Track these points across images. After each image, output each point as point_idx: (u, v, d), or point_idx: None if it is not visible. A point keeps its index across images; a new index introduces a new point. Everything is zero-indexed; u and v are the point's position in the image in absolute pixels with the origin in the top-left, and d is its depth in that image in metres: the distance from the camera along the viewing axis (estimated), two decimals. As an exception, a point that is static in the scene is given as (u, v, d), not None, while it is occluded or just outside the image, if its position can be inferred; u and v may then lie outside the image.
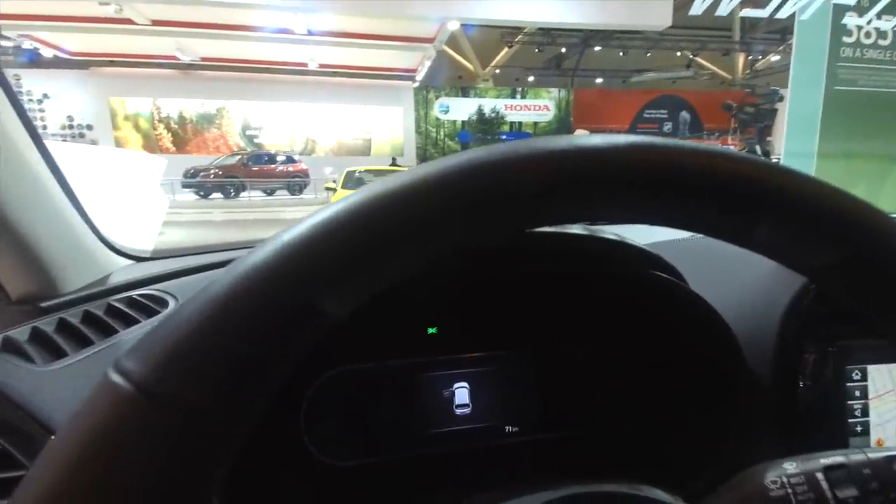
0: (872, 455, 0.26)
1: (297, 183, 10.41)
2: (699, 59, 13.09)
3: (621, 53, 12.41)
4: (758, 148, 6.33)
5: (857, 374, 0.44)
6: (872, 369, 0.45)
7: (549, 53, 12.87)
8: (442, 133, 13.34)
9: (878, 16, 2.71)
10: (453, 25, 9.37)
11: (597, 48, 12.24)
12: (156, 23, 8.37)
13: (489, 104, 13.36)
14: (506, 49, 12.13)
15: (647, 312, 0.44)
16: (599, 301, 0.45)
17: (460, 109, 13.22)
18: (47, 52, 9.83)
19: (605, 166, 0.17)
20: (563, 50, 12.68)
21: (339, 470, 0.41)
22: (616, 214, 0.18)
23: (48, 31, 8.82)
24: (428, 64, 11.34)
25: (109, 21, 8.08)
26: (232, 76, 11.18)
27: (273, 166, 10.28)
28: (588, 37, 11.62)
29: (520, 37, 11.56)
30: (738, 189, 0.18)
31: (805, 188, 0.18)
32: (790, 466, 0.26)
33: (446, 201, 0.16)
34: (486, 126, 13.35)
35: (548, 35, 11.51)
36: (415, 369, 0.44)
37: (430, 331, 0.44)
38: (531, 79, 13.99)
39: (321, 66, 10.87)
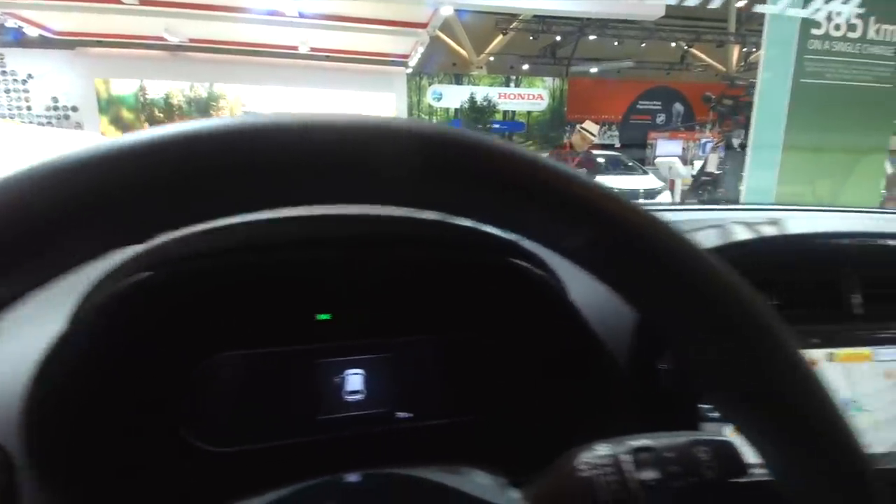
0: (680, 439, 0.27)
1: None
2: (694, 51, 13.02)
3: (616, 43, 12.32)
4: (735, 140, 6.35)
5: None
6: None
7: (543, 41, 12.76)
8: (435, 121, 13.27)
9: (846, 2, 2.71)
10: (447, 11, 9.24)
11: (592, 37, 12.14)
12: (143, 2, 8.22)
13: (482, 92, 13.27)
14: (500, 36, 12.01)
15: (509, 300, 0.45)
16: (468, 289, 0.45)
17: (453, 97, 13.12)
18: (32, 32, 9.64)
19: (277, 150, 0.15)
20: (559, 38, 12.57)
21: (216, 456, 0.41)
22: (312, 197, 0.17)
23: (33, 10, 8.65)
24: (421, 50, 11.22)
25: (96, 0, 7.94)
26: (221, 59, 11.04)
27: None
28: (583, 25, 11.51)
29: (514, 24, 11.44)
30: (482, 172, 0.18)
31: (551, 175, 0.18)
32: (603, 449, 0.27)
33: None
34: (477, 114, 13.27)
35: (543, 23, 11.40)
36: (303, 355, 0.43)
37: (323, 317, 0.44)
38: (526, 67, 13.87)
39: (312, 49, 10.73)
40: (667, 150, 11.84)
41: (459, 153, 0.17)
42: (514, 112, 13.78)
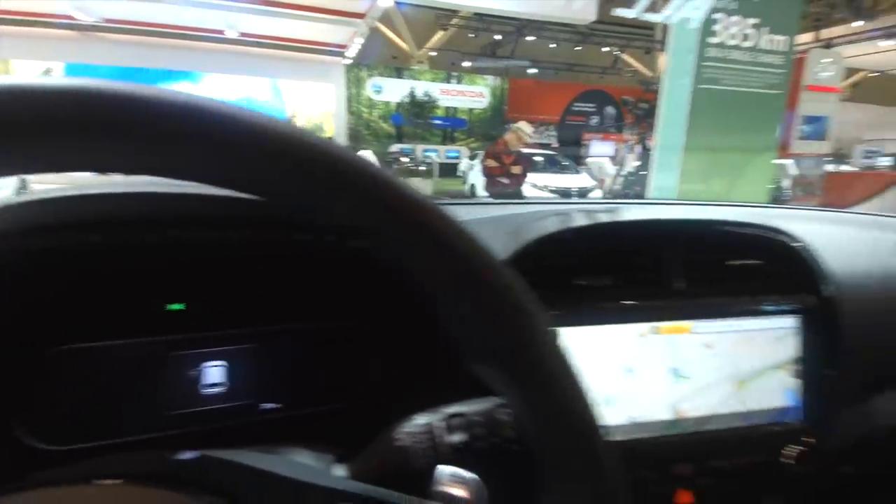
0: (487, 404, 0.28)
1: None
2: (625, 56, 13.64)
3: (552, 45, 12.65)
4: (648, 142, 6.71)
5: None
6: (567, 331, 0.47)
7: (484, 40, 12.88)
8: (375, 114, 13.03)
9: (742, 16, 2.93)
10: (386, 2, 9.09)
11: (530, 38, 12.39)
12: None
13: (423, 87, 13.20)
14: (441, 32, 11.98)
15: (379, 284, 0.43)
16: (336, 274, 0.43)
17: (394, 91, 12.96)
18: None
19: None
20: (499, 37, 12.73)
21: (49, 454, 0.38)
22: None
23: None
24: (360, 41, 10.98)
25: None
26: (140, 41, 10.22)
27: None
28: (522, 26, 11.72)
29: (455, 20, 11.45)
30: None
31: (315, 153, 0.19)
32: (422, 418, 0.29)
33: None
34: (418, 109, 13.19)
35: (483, 21, 11.49)
36: (152, 347, 0.41)
37: (175, 307, 0.41)
38: (467, 64, 13.95)
39: (242, 34, 10.18)
40: (599, 150, 12.36)
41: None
42: (455, 109, 13.84)
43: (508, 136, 4.06)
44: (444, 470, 0.26)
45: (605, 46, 13.16)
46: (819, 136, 9.51)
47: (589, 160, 11.85)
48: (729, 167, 3.33)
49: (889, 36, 10.64)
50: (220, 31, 10.01)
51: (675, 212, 0.59)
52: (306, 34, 10.56)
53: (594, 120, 14.80)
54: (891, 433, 0.71)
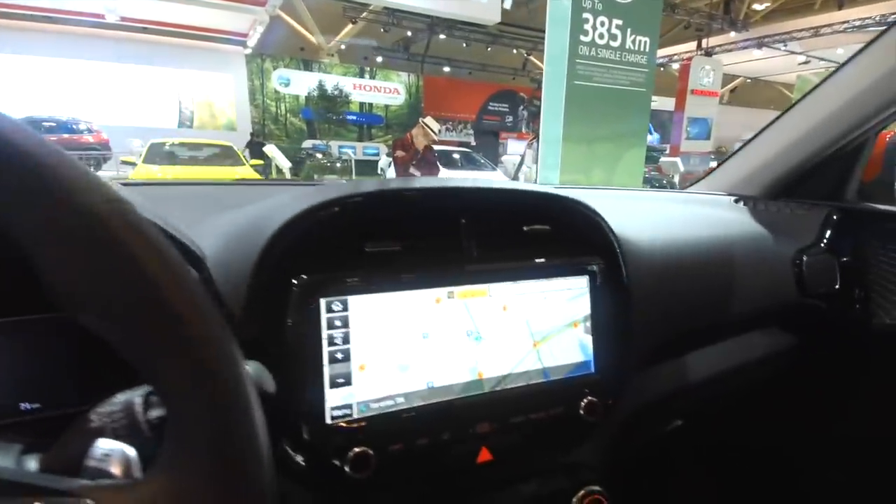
0: None
1: (94, 156, 8.75)
2: (532, 58, 14.12)
3: (464, 45, 12.78)
4: None
5: (337, 306, 0.45)
6: (353, 300, 0.46)
7: (396, 35, 12.71)
8: (284, 108, 12.42)
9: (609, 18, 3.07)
10: (285, -10, 8.64)
11: (442, 36, 12.41)
12: None
13: (334, 81, 12.78)
14: (351, 25, 11.64)
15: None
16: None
17: (302, 84, 12.42)
18: None
19: None
20: (409, 34, 12.62)
21: None
22: None
23: None
24: (261, 29, 10.38)
25: None
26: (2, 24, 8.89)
27: (62, 136, 8.47)
28: (433, 24, 11.70)
29: (364, 14, 11.17)
30: None
31: None
32: (120, 396, 0.29)
33: None
34: (328, 103, 12.76)
35: (393, 16, 11.31)
36: None
37: None
38: (380, 59, 13.70)
39: (124, 19, 9.20)
40: (515, 149, 12.73)
41: None
42: (370, 105, 13.57)
43: (415, 131, 3.94)
44: (98, 445, 0.26)
45: (514, 48, 13.52)
46: (703, 136, 10.53)
47: (504, 158, 12.15)
48: (604, 159, 3.50)
49: (761, 45, 11.89)
50: (100, 16, 8.97)
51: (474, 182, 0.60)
52: (199, 20, 9.78)
53: (509, 119, 15.22)
54: (677, 391, 0.77)
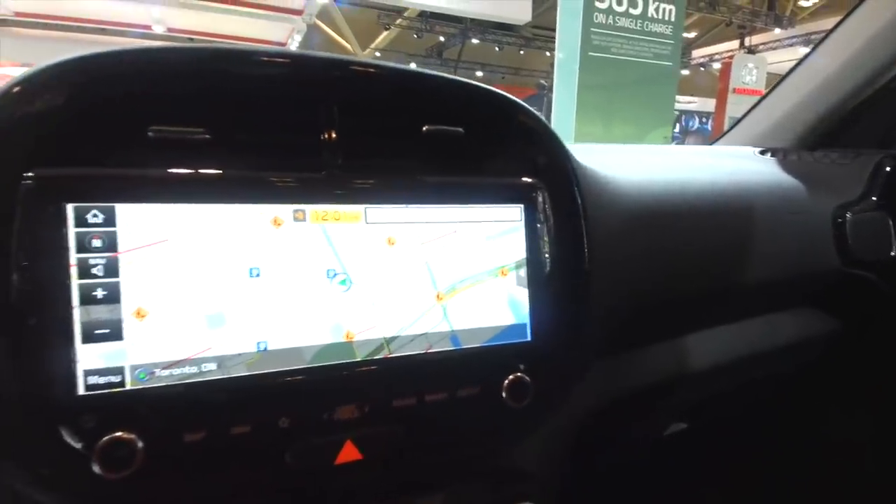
0: None
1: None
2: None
3: (497, 49, 12.79)
4: None
5: (95, 217, 0.31)
6: (124, 210, 0.31)
7: (429, 41, 12.87)
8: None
9: None
10: (322, -2, 8.93)
11: (475, 41, 12.47)
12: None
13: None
14: (385, 32, 11.88)
15: None
16: None
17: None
18: None
19: None
20: (442, 39, 12.75)
21: None
22: None
23: None
24: (298, 38, 10.72)
25: None
26: (57, 36, 9.58)
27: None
28: (466, 29, 11.77)
29: (398, 20, 11.38)
30: None
31: None
32: None
33: None
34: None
35: (427, 22, 11.46)
36: None
37: None
38: (413, 66, 13.89)
39: (170, 30, 9.72)
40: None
41: None
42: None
43: None
44: None
45: (548, 51, 13.42)
46: (746, 136, 10.01)
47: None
48: (626, 138, 3.32)
49: (807, 43, 11.34)
50: (147, 27, 9.52)
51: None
52: (239, 30, 10.22)
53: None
54: (671, 384, 0.59)
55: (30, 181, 0.30)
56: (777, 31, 11.25)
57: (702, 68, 13.66)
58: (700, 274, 0.58)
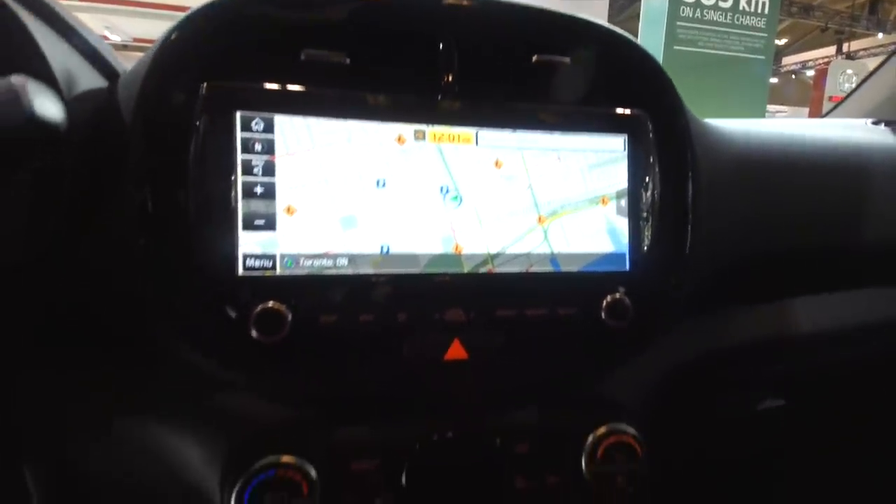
0: None
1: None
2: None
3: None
4: None
5: (258, 124, 0.36)
6: (281, 120, 0.36)
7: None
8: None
9: None
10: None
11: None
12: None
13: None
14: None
15: None
16: None
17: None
18: None
19: None
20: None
21: None
22: None
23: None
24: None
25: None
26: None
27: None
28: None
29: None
30: None
31: None
32: None
33: None
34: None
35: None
36: None
37: None
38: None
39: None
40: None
41: None
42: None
43: None
44: None
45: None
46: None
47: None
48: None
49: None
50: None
51: None
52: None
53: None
54: (774, 348, 0.57)
55: (205, 90, 0.35)
56: (880, 35, 10.31)
57: (793, 76, 12.75)
58: (811, 233, 0.55)
